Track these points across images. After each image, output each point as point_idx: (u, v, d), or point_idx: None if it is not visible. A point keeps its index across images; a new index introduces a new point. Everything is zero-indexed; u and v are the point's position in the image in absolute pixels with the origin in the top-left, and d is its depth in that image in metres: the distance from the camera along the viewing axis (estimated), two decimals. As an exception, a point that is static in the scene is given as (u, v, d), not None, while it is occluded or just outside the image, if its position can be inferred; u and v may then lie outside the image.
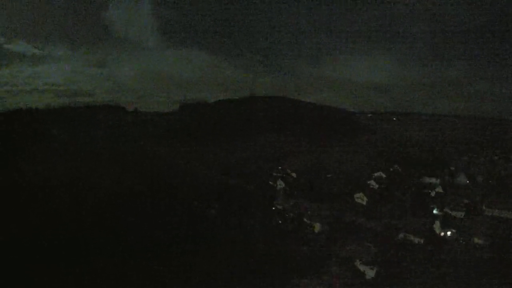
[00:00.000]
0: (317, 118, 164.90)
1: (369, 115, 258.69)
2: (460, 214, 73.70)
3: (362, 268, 47.33)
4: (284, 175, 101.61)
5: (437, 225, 64.88)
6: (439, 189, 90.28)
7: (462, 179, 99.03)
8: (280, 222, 51.26)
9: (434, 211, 75.99)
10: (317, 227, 59.64)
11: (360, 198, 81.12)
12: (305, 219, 61.43)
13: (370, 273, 46.84)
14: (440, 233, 62.55)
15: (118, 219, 14.01)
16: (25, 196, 17.01)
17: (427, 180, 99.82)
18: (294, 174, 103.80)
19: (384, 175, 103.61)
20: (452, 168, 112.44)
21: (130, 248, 13.40)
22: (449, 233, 62.82)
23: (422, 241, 58.01)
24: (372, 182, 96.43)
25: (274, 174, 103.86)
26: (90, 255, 16.80)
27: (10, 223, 15.26)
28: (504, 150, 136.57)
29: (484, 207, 75.14)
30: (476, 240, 59.34)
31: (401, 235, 59.28)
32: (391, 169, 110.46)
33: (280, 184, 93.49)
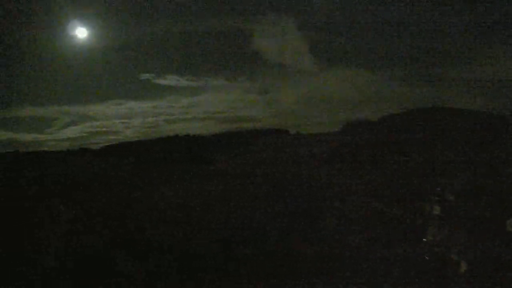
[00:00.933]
0: (482, 129, 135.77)
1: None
2: None
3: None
4: (441, 198, 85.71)
5: None
6: None
7: None
8: (427, 258, 41.19)
9: None
10: (464, 266, 45.96)
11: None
12: (452, 256, 49.14)
13: None
14: None
15: (280, 238, 12.48)
16: (186, 221, 16.82)
17: None
18: (452, 197, 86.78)
19: None
20: None
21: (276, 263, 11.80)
22: None
23: None
24: None
25: (428, 197, 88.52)
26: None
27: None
28: None
29: None
30: None
31: None
32: None
33: (436, 209, 78.27)
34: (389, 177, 33.23)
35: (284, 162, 48.38)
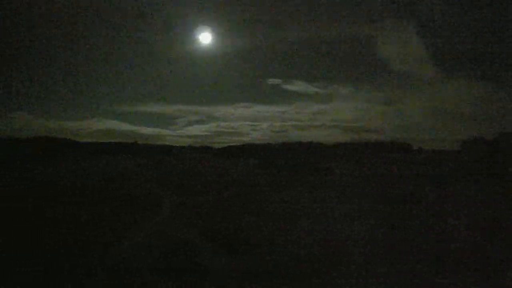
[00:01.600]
0: None
1: None
2: None
3: None
4: None
5: None
6: None
7: None
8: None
9: None
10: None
11: None
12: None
13: None
14: None
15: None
16: (289, 226, 16.42)
17: None
18: None
19: None
20: None
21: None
22: None
23: None
24: None
25: None
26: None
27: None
28: None
29: None
30: None
31: None
32: None
33: None
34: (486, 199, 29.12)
35: (404, 180, 43.48)
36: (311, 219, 19.30)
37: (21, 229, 17.07)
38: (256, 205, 23.68)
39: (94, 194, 27.41)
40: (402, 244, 14.82)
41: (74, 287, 11.53)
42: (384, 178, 42.72)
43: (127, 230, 17.23)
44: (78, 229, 17.20)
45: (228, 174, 43.27)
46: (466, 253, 14.04)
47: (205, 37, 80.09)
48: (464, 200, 27.36)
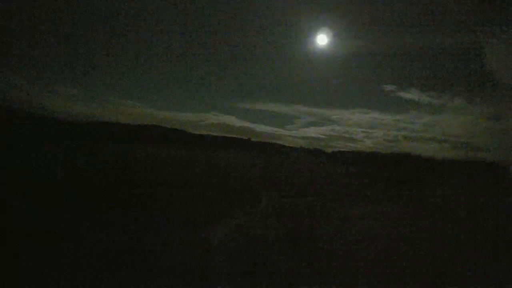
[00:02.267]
0: None
1: None
2: None
3: None
4: None
5: None
6: None
7: None
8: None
9: None
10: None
11: None
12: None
13: None
14: None
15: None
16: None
17: None
18: None
19: None
20: None
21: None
22: None
23: None
24: None
25: None
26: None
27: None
28: None
29: None
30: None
31: None
32: None
33: None
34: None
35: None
36: (401, 235, 18.65)
37: (133, 215, 18.58)
38: (348, 215, 23.52)
39: (195, 182, 29.30)
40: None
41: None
42: (490, 203, 38.39)
43: (213, 225, 18.15)
44: (171, 215, 18.74)
45: (333, 180, 43.40)
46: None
47: (321, 39, 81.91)
48: None
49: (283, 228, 18.41)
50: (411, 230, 20.23)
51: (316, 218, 21.53)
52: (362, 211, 25.10)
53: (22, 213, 18.17)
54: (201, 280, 12.15)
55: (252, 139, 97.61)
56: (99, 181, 28.00)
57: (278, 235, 17.26)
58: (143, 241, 15.32)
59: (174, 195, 23.67)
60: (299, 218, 20.95)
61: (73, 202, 21.20)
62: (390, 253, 15.60)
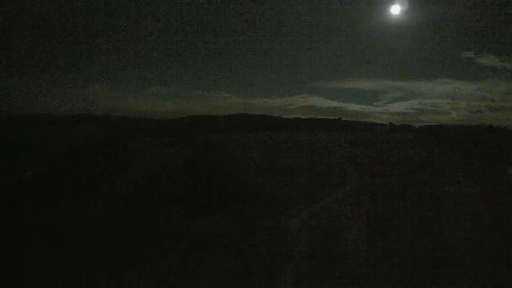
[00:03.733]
0: None
1: None
2: None
3: None
4: None
5: None
6: None
7: None
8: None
9: None
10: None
11: None
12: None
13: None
14: None
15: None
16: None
17: None
18: None
19: None
20: None
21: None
22: None
23: None
24: None
25: None
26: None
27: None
28: None
29: None
30: None
31: None
32: None
33: None
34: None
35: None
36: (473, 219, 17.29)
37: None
38: (437, 195, 22.51)
39: (285, 166, 30.59)
40: None
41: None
42: None
43: (296, 209, 18.61)
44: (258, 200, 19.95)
45: (417, 158, 41.72)
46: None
47: (395, 9, 78.46)
48: None
49: (365, 212, 17.89)
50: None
51: (404, 199, 20.67)
52: (454, 191, 23.87)
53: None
54: (280, 265, 12.21)
55: (343, 119, 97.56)
56: (197, 172, 29.96)
57: (360, 219, 16.85)
58: (233, 227, 16.10)
59: (262, 180, 24.82)
60: (385, 201, 20.30)
61: (182, 191, 23.91)
62: (482, 239, 14.31)
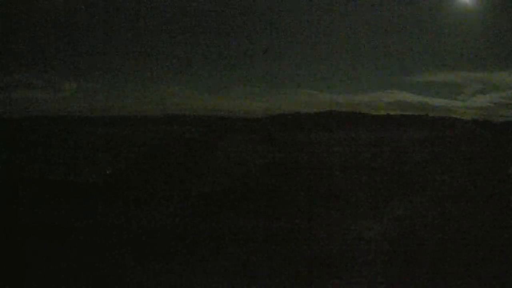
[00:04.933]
0: None
1: None
2: None
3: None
4: None
5: None
6: None
7: None
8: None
9: None
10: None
11: None
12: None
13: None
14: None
15: None
16: None
17: None
18: None
19: None
20: None
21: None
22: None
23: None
24: None
25: None
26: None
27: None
28: None
29: None
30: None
31: None
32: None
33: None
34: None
35: None
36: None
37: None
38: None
39: (369, 165, 30.70)
40: None
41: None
42: None
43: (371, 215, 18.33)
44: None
45: (494, 158, 39.00)
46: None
47: None
48: None
49: (447, 220, 17.10)
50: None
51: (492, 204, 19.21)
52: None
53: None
54: (357, 271, 12.01)
55: (429, 115, 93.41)
56: (284, 172, 30.05)
57: (441, 230, 15.98)
58: (315, 230, 16.22)
59: (346, 181, 24.88)
60: (470, 205, 19.08)
61: (267, 191, 24.04)
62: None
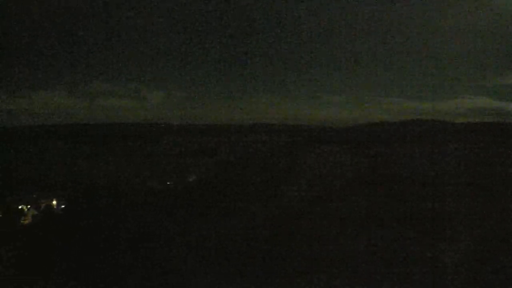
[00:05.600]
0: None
1: None
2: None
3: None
4: None
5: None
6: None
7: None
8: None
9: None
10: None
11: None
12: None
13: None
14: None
15: None
16: None
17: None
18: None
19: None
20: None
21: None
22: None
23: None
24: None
25: None
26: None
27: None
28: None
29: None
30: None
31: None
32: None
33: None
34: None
35: None
36: None
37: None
38: None
39: (455, 180, 28.65)
40: None
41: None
42: None
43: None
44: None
45: None
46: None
47: None
48: None
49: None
50: None
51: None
52: None
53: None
54: None
55: (507, 122, 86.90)
56: (370, 183, 29.71)
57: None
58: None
59: (430, 199, 23.68)
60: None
61: (352, 203, 23.86)
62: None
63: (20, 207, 53.99)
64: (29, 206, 54.26)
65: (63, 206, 56.30)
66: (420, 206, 21.56)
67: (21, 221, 48.20)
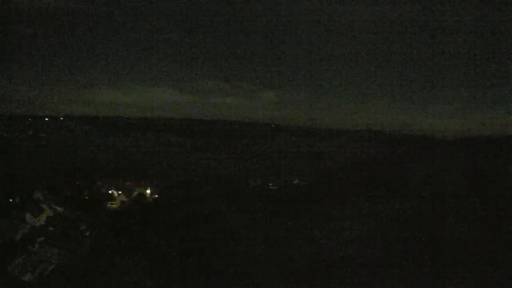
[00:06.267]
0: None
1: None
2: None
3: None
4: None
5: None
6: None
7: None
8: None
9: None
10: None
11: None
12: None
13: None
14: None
15: None
16: None
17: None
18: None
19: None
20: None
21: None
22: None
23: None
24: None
25: None
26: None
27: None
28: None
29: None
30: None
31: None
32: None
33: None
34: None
35: None
36: None
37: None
38: None
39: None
40: None
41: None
42: None
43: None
44: None
45: None
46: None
47: None
48: None
49: None
50: None
51: None
52: None
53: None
54: None
55: None
56: (473, 205, 28.44)
57: None
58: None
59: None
60: None
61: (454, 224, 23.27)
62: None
63: (110, 191, 60.08)
64: (119, 192, 60.01)
65: (156, 196, 61.01)
66: None
67: (108, 205, 53.46)
